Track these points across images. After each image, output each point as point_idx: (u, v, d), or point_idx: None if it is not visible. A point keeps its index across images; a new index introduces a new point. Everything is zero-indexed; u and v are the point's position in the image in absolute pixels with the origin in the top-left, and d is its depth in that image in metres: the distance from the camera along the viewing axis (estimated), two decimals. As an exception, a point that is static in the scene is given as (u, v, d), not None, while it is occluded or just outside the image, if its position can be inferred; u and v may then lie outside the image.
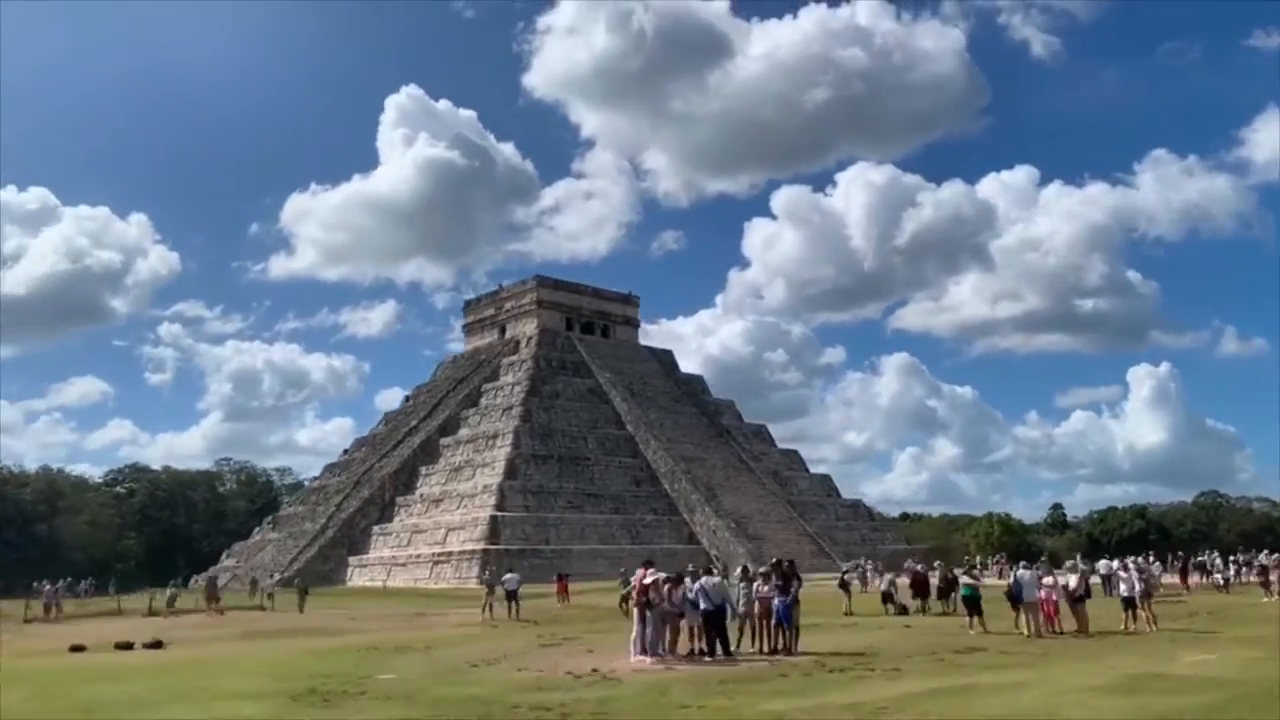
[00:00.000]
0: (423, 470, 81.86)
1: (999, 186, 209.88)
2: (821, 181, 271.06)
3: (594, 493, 75.18)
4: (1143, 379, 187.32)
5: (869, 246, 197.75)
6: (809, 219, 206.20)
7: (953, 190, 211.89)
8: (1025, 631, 21.31)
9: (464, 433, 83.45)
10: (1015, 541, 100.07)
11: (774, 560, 22.83)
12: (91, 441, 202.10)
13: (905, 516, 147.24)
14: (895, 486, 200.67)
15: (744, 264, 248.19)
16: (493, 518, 67.24)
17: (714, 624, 18.24)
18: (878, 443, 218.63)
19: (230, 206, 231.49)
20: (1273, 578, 33.33)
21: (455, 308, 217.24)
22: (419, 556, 69.55)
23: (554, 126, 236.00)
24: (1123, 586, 22.61)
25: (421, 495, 78.07)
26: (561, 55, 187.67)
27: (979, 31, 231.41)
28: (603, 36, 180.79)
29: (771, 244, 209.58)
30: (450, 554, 66.45)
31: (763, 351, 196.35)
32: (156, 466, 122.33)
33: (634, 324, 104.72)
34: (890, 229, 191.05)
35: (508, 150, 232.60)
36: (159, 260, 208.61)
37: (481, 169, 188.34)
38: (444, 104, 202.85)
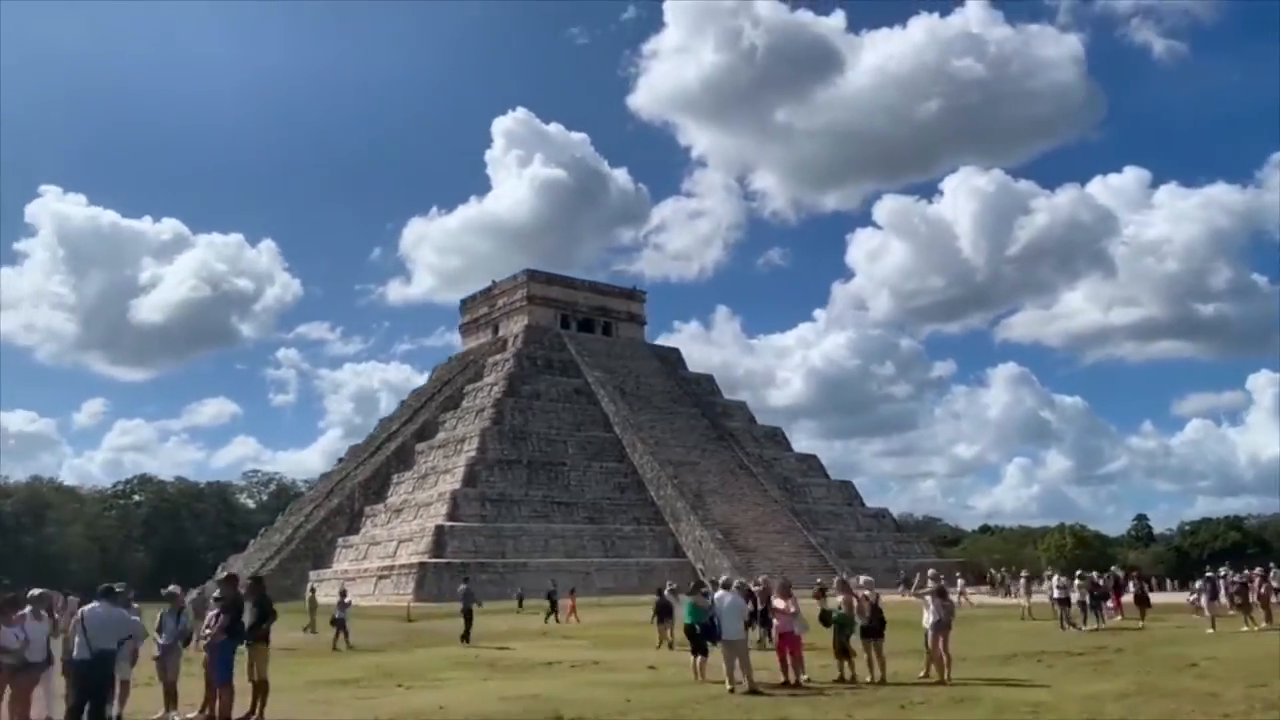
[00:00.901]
0: (394, 478, 76.45)
1: (1109, 190, 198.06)
2: (927, 190, 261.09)
3: (566, 501, 68.49)
4: (1265, 386, 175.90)
5: (980, 255, 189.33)
6: (916, 229, 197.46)
7: (1068, 195, 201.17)
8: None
9: (440, 437, 77.78)
10: (1090, 555, 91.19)
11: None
12: (217, 459, 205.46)
13: (986, 529, 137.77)
14: (1004, 499, 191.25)
15: (847, 276, 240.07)
16: (438, 528, 61.16)
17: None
18: (989, 455, 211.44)
19: (353, 232, 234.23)
20: (1253, 599, 24.98)
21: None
22: (368, 571, 63.92)
23: (662, 146, 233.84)
24: (927, 615, 15.13)
25: (386, 505, 72.55)
26: (669, 75, 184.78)
27: (1097, 36, 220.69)
28: (711, 55, 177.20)
29: (877, 255, 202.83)
30: (393, 568, 60.56)
31: (869, 364, 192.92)
32: (168, 477, 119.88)
33: (639, 320, 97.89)
34: (1002, 236, 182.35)
35: (617, 171, 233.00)
36: (284, 286, 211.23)
37: (592, 190, 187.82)
38: (554, 127, 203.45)
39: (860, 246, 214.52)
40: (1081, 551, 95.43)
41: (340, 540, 72.07)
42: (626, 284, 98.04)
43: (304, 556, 72.44)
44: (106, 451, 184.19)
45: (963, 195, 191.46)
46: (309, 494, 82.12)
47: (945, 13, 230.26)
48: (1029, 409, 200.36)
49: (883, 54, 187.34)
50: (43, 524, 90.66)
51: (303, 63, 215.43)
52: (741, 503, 73.53)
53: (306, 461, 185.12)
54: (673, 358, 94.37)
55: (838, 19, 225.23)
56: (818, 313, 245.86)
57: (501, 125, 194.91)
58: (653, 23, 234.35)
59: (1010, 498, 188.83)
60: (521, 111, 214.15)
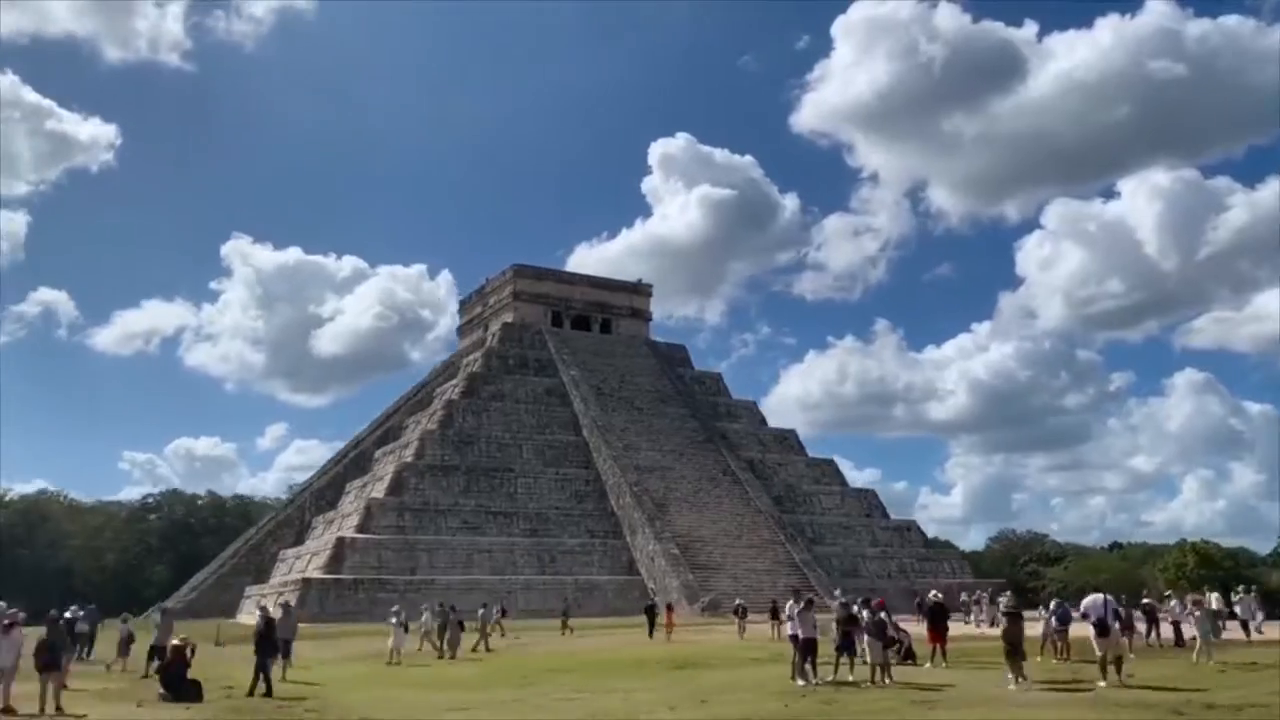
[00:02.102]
0: (347, 486, 70.99)
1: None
2: (1101, 193, 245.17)
3: (506, 511, 61.22)
4: None
5: (1167, 256, 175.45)
6: (1091, 233, 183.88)
7: (1272, 190, 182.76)
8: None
9: (395, 444, 71.88)
10: (1218, 575, 78.72)
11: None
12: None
13: (1117, 546, 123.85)
14: (1184, 515, 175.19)
15: (1014, 284, 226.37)
16: (338, 541, 55.02)
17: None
18: (1170, 468, 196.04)
19: (522, 258, 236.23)
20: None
21: (718, 349, 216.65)
22: (285, 585, 58.22)
23: (828, 164, 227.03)
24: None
25: (324, 517, 67.12)
26: (837, 93, 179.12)
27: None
28: (884, 70, 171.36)
29: (1049, 262, 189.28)
30: (289, 584, 54.64)
31: (1038, 375, 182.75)
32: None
33: (643, 316, 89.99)
34: (1193, 236, 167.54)
35: (780, 190, 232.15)
36: (454, 316, 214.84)
37: (754, 209, 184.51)
38: (719, 151, 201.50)
39: (1030, 254, 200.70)
40: (1207, 571, 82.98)
41: (280, 553, 66.94)
42: (630, 278, 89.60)
43: (245, 571, 67.67)
44: (278, 471, 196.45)
45: (1143, 196, 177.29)
46: (274, 505, 77.54)
47: (1131, 11, 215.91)
48: (1215, 418, 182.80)
49: (1067, 57, 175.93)
50: (39, 538, 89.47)
51: (472, 99, 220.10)
52: (715, 512, 64.66)
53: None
54: (676, 355, 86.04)
55: (1028, 29, 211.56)
56: (976, 325, 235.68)
57: (662, 150, 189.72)
58: (823, 49, 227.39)
59: (1191, 513, 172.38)
60: (683, 137, 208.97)
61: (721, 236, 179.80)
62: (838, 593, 30.44)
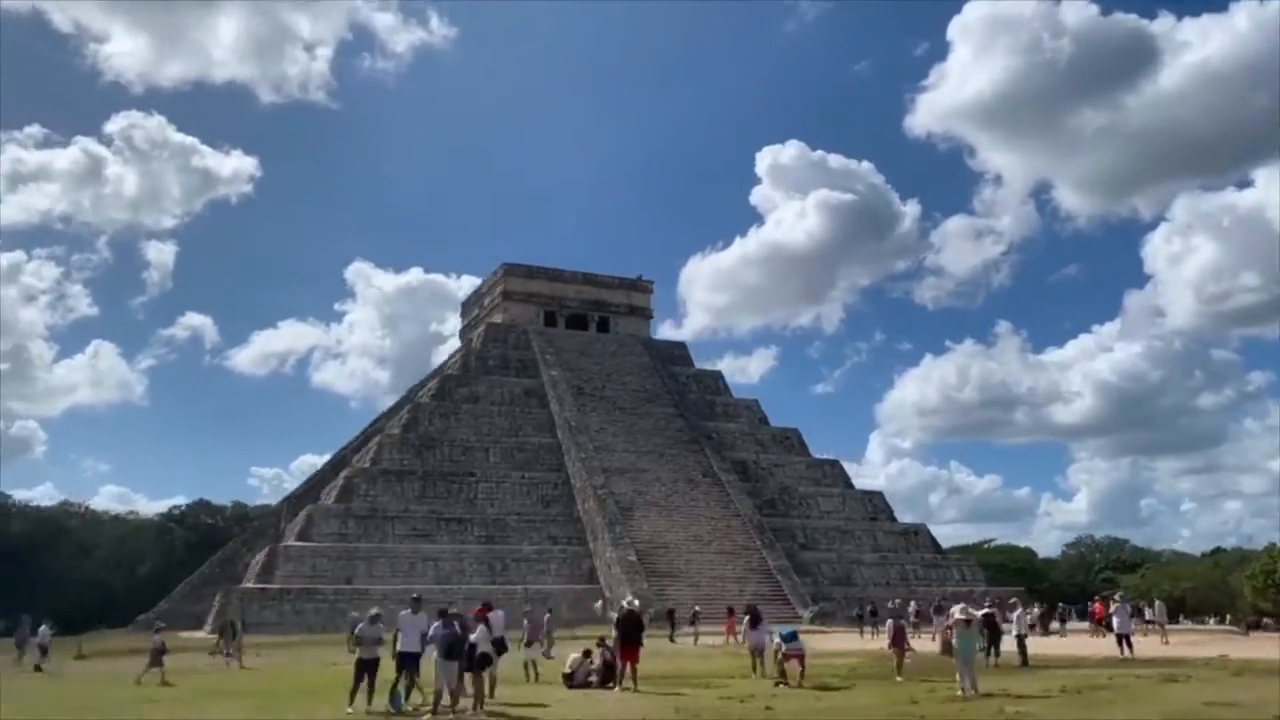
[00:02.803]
0: (323, 494, 69.29)
1: None
2: (1235, 184, 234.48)
3: (461, 516, 58.49)
4: None
5: None
6: (1225, 226, 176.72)
7: None
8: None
9: (366, 447, 69.96)
10: None
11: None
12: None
13: (1218, 550, 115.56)
14: None
15: (1141, 282, 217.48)
16: (271, 549, 53.15)
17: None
18: None
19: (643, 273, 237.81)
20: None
21: (832, 356, 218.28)
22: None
23: (947, 166, 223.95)
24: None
25: (291, 526, 65.32)
26: (959, 92, 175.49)
27: None
28: (1006, 68, 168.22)
29: (1179, 258, 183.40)
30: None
31: (1170, 375, 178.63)
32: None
33: (643, 314, 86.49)
34: None
35: (897, 194, 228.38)
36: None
37: (873, 214, 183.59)
38: (834, 157, 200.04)
39: (1158, 249, 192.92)
40: None
41: (251, 561, 65.57)
42: (629, 274, 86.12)
43: (218, 581, 66.45)
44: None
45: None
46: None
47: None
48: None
49: (1203, 49, 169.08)
50: (56, 549, 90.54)
51: (591, 119, 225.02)
52: (687, 516, 60.78)
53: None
54: (673, 353, 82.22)
55: (1162, 21, 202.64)
56: (1097, 326, 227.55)
57: (771, 158, 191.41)
58: (939, 52, 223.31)
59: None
60: (794, 144, 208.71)
61: (839, 241, 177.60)
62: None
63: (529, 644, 21.28)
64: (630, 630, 18.03)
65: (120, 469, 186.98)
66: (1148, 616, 50.69)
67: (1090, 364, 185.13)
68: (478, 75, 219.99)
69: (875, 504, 72.49)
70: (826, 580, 62.34)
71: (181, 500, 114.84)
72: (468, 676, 14.52)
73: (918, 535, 71.03)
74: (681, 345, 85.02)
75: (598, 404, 70.04)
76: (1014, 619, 24.35)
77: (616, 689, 17.58)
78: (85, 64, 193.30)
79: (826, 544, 65.96)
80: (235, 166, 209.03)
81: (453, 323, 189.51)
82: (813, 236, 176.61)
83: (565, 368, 73.17)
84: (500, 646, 16.45)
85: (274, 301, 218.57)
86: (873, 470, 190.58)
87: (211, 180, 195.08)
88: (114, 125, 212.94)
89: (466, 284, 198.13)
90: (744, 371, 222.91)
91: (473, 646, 14.50)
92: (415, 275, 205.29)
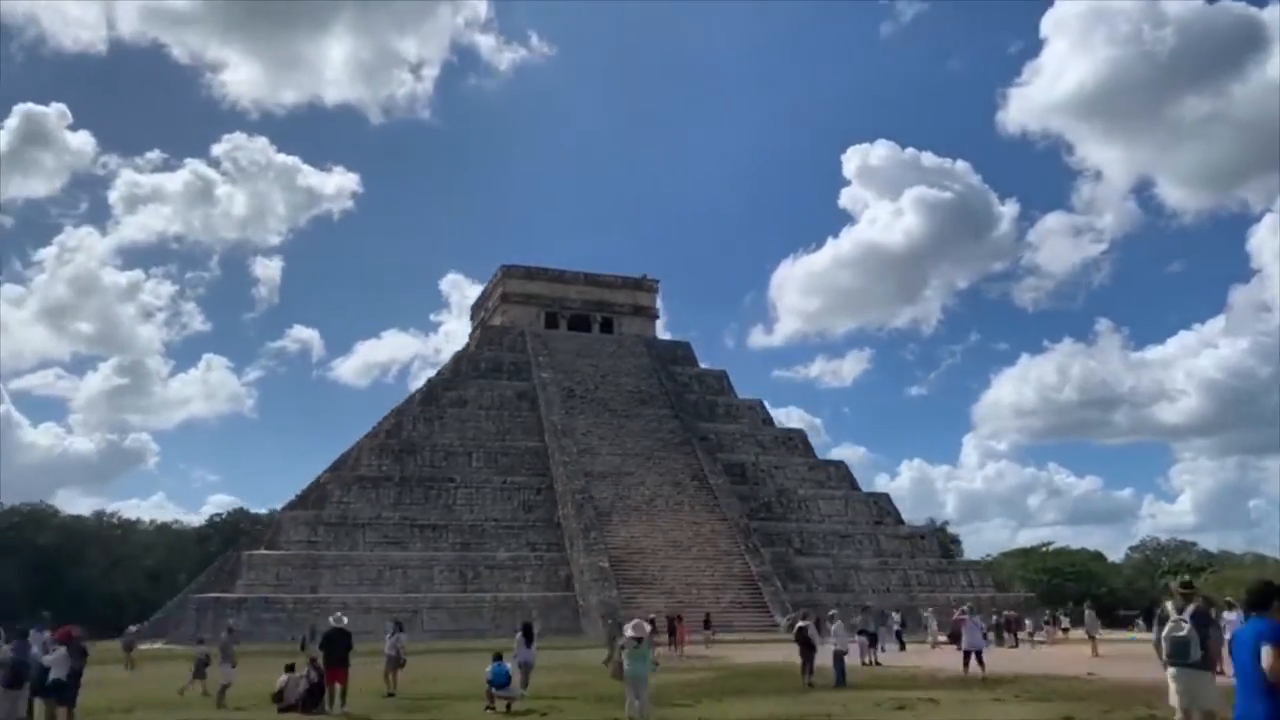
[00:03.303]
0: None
1: None
2: None
3: (436, 523, 57.39)
4: None
5: None
6: None
7: None
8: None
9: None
10: None
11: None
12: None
13: None
14: None
15: (1247, 276, 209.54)
16: (235, 557, 52.84)
17: None
18: None
19: (733, 279, 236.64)
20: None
21: (927, 358, 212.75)
22: (210, 606, 56.42)
23: (1044, 163, 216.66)
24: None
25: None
26: (1054, 87, 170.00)
27: None
28: (1105, 60, 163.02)
29: None
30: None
31: (1279, 371, 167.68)
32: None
33: (649, 314, 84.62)
34: None
35: (994, 191, 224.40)
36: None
37: (970, 212, 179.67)
38: (925, 155, 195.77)
39: (1263, 242, 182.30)
40: None
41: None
42: (634, 273, 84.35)
43: (209, 588, 66.52)
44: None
45: None
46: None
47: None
48: None
49: None
50: (83, 558, 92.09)
51: (682, 125, 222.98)
52: (670, 521, 58.82)
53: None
54: (676, 354, 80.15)
55: (1275, 9, 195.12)
56: (1198, 324, 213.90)
57: (860, 158, 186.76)
58: (1033, 49, 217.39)
59: None
60: (884, 144, 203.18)
61: (935, 241, 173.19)
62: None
63: (222, 664, 19.35)
64: (336, 649, 16.36)
65: (229, 479, 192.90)
66: (1064, 624, 47.57)
67: (1194, 361, 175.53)
68: (575, 89, 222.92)
69: (881, 506, 69.56)
70: (821, 587, 59.79)
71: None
72: (40, 707, 12.98)
73: (924, 540, 67.95)
74: (685, 345, 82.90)
75: (588, 406, 68.42)
76: (833, 631, 22.09)
77: (327, 710, 15.93)
78: (203, 92, 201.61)
79: (825, 548, 63.38)
80: (338, 184, 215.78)
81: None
82: (910, 235, 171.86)
83: (559, 369, 71.74)
84: None
85: (376, 313, 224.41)
86: (969, 473, 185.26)
87: (315, 197, 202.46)
88: (220, 148, 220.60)
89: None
90: (836, 374, 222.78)
91: (45, 672, 12.94)
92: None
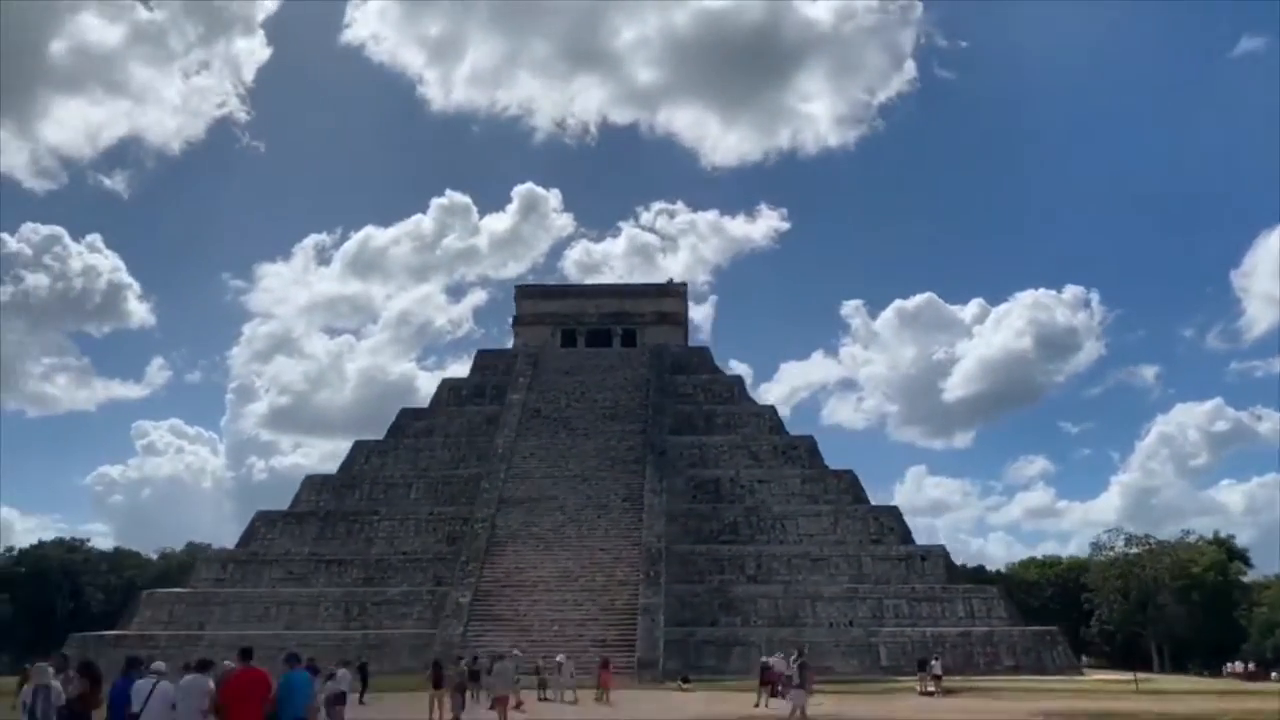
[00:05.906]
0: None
1: None
2: None
3: (342, 558, 56.72)
4: None
5: None
6: None
7: None
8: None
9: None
10: None
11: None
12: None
13: None
14: None
15: None
16: (137, 594, 55.02)
17: None
18: None
19: (1184, 271, 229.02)
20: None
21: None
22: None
23: None
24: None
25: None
26: None
27: None
28: None
29: None
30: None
31: None
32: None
33: (676, 321, 78.64)
34: None
35: None
36: (1095, 345, 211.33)
37: None
38: None
39: None
40: None
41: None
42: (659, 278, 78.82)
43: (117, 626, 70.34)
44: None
45: None
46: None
47: None
48: None
49: None
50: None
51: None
52: (574, 549, 54.04)
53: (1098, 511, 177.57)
54: (689, 360, 73.37)
55: None
56: None
57: None
58: None
59: None
60: None
61: None
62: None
63: None
64: None
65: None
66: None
67: None
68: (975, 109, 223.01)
69: (883, 522, 58.91)
70: (762, 620, 51.65)
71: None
72: None
73: (925, 560, 56.34)
74: (702, 350, 76.01)
75: (545, 426, 64.55)
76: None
77: None
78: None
79: (786, 574, 54.77)
80: (768, 223, 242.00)
81: (962, 345, 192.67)
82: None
83: (537, 389, 68.47)
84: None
85: (792, 343, 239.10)
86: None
87: (736, 243, 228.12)
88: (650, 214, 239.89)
89: (972, 307, 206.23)
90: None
91: None
92: (916, 301, 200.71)
